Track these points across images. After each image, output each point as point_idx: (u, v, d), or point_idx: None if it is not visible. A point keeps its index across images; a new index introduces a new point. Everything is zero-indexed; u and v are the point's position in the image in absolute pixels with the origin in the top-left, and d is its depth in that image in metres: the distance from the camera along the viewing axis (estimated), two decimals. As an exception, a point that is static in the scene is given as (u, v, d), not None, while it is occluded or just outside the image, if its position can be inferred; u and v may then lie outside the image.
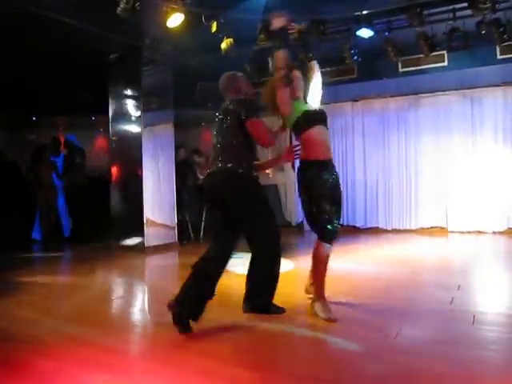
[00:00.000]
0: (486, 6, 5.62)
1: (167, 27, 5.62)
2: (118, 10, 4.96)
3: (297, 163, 3.89)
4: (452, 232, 8.13)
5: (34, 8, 5.24)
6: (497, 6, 5.85)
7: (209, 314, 3.70)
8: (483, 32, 6.23)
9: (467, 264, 5.93)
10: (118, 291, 4.69)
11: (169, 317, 3.68)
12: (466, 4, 5.91)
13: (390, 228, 8.82)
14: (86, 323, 3.53)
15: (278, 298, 4.05)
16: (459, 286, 4.35)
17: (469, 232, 7.69)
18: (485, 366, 2.61)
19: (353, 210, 9.04)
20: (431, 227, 8.21)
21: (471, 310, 3.60)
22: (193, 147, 9.75)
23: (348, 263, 5.69)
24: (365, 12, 6.31)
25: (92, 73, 7.51)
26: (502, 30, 6.11)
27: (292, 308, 3.91)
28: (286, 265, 5.70)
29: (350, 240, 7.98)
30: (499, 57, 6.74)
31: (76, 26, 5.67)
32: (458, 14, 6.21)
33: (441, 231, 7.94)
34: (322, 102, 3.86)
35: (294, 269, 5.52)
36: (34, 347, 3.02)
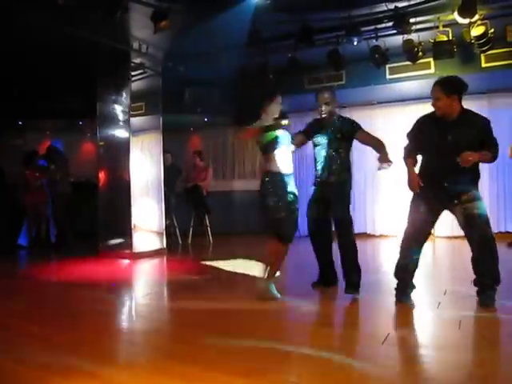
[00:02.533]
0: (472, 15, 5.72)
1: (156, 32, 5.61)
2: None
3: None
4: (439, 237, 8.21)
5: (21, 10, 5.21)
6: (483, 16, 5.96)
7: (197, 320, 3.69)
8: (468, 40, 6.33)
9: (454, 269, 5.99)
10: (104, 298, 4.65)
11: (156, 323, 3.67)
12: (450, 12, 6.00)
13: (377, 234, 8.88)
14: (72, 330, 3.50)
15: (260, 307, 4.06)
16: (446, 290, 4.39)
17: (455, 237, 7.77)
18: (471, 369, 2.63)
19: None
20: (418, 233, 8.26)
21: (457, 314, 3.63)
22: (196, 149, 9.79)
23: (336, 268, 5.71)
24: (353, 19, 6.37)
25: (80, 77, 7.49)
26: (486, 39, 6.21)
27: (279, 317, 3.91)
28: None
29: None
30: (484, 65, 6.84)
31: (64, 30, 5.64)
32: (444, 22, 6.30)
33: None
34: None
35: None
36: (17, 356, 2.97)
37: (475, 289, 3.87)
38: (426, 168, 3.94)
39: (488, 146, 3.78)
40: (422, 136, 3.94)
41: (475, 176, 3.89)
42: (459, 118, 3.77)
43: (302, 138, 4.53)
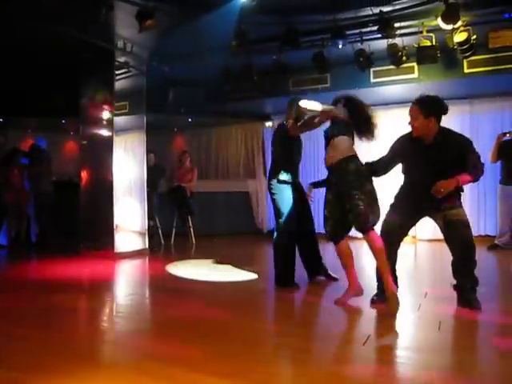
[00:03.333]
0: (455, 21, 5.81)
1: (141, 31, 5.58)
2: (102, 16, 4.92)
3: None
4: (420, 240, 8.30)
5: (6, 8, 5.14)
6: (466, 22, 6.05)
7: (180, 321, 3.68)
8: (451, 46, 6.42)
9: (434, 271, 6.06)
10: (85, 299, 4.61)
11: (138, 324, 3.65)
12: (434, 18, 6.08)
13: (361, 235, 8.92)
14: (53, 331, 3.45)
15: (243, 309, 4.06)
16: (426, 293, 4.45)
17: (437, 240, 7.85)
18: (450, 371, 2.67)
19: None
20: (400, 235, 8.34)
21: (437, 316, 3.67)
22: (184, 149, 9.80)
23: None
24: (338, 23, 6.42)
25: (64, 75, 7.41)
26: (468, 45, 6.30)
27: (261, 318, 3.92)
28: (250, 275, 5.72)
29: (322, 248, 8.02)
30: (466, 71, 6.94)
31: (48, 28, 5.58)
32: (428, 27, 6.39)
33: (409, 239, 8.09)
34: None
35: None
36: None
37: (455, 291, 3.94)
38: (407, 182, 3.98)
39: (468, 168, 3.69)
40: (397, 158, 3.98)
41: (456, 190, 3.82)
42: (435, 140, 3.73)
43: None
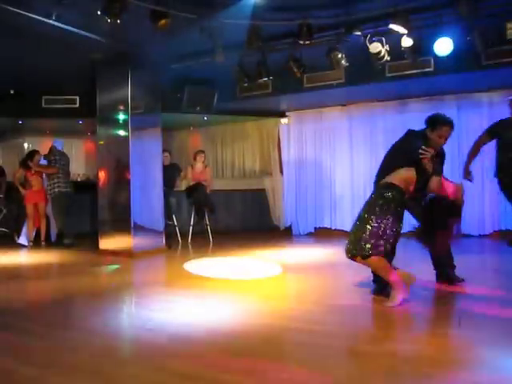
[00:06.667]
0: (469, 11, 5.71)
1: (155, 31, 5.60)
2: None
3: None
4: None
5: (22, 9, 5.20)
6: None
7: (198, 319, 3.70)
8: (468, 38, 6.32)
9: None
10: (104, 297, 4.66)
11: (155, 322, 3.68)
12: (451, 10, 5.98)
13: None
14: (73, 329, 3.50)
15: (266, 302, 4.07)
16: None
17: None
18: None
19: (340, 214, 9.08)
20: (419, 231, 8.26)
21: (459, 311, 3.64)
22: (199, 148, 9.83)
23: (334, 267, 5.73)
24: (352, 17, 6.35)
25: (79, 76, 7.48)
26: (485, 36, 6.20)
27: (279, 313, 3.92)
28: (273, 269, 5.72)
29: (337, 244, 7.98)
30: (484, 63, 6.82)
31: (63, 29, 5.63)
32: (444, 19, 6.29)
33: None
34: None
35: (281, 273, 5.51)
36: (16, 354, 2.97)
37: (477, 286, 3.91)
38: None
39: None
40: None
41: None
42: None
43: None
